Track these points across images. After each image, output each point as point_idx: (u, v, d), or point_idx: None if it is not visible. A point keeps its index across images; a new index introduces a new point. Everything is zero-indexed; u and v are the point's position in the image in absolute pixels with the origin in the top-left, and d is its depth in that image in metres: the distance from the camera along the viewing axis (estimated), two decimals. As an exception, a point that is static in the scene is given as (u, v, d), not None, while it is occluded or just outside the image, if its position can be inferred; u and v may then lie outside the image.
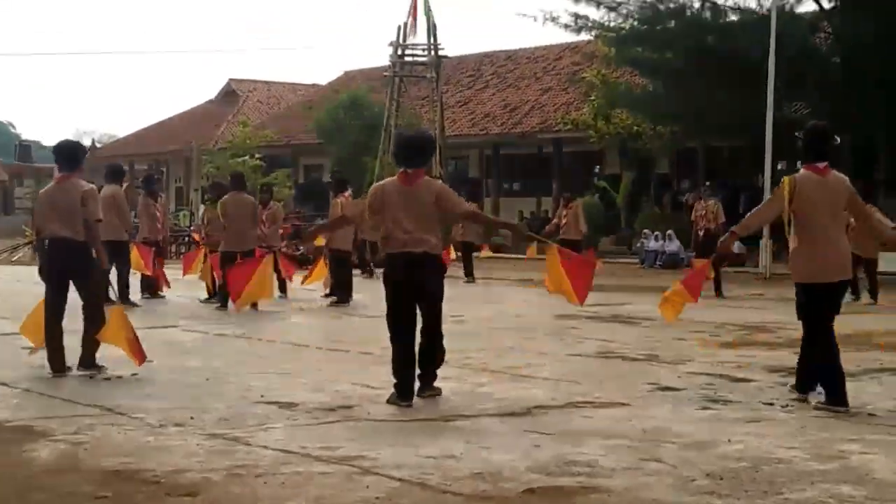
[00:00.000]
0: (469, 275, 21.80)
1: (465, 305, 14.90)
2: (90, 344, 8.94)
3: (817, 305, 7.80)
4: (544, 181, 36.78)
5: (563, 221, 20.68)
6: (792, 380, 8.25)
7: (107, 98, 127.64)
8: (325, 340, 11.40)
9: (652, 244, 28.78)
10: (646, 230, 29.46)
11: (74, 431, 6.52)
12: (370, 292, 16.79)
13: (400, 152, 8.14)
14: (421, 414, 7.25)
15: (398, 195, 7.86)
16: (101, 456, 5.90)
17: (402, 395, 7.70)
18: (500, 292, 19.29)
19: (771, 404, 7.83)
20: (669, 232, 28.53)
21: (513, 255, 30.46)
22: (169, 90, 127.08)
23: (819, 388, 7.88)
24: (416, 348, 7.89)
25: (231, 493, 5.17)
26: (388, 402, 7.66)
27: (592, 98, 32.73)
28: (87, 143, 68.35)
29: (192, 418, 6.92)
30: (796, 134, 8.58)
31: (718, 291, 18.00)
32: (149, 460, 5.80)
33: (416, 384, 7.84)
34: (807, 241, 7.80)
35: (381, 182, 8.33)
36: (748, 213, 8.38)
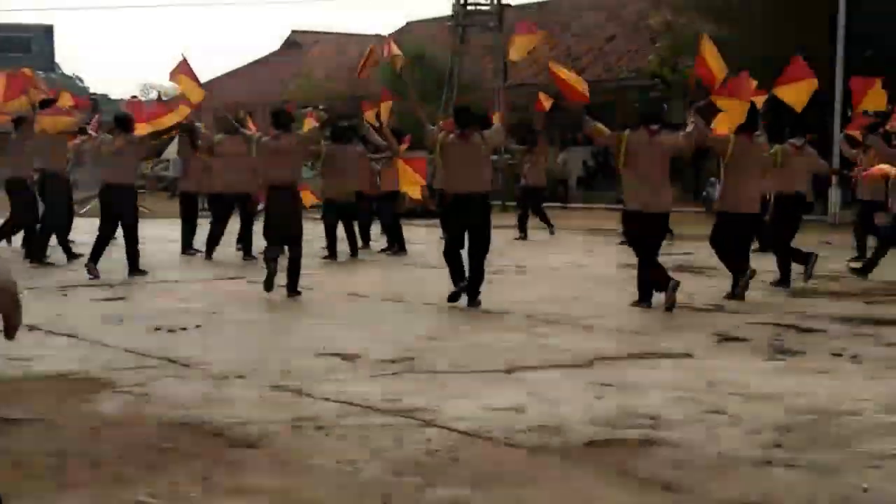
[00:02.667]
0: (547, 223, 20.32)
1: (528, 255, 14.83)
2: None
3: (641, 229, 10.22)
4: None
5: (525, 168, 20.38)
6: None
7: (172, 51, 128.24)
8: (388, 292, 11.38)
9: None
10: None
11: (139, 383, 6.55)
12: (428, 243, 16.77)
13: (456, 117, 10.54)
14: (483, 365, 7.20)
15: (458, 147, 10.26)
16: (164, 407, 5.92)
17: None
18: (563, 241, 19.16)
19: (839, 355, 7.69)
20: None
21: (579, 205, 30.27)
22: (232, 42, 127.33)
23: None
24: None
25: (292, 446, 5.16)
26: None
27: (658, 45, 32.25)
28: (153, 96, 68.68)
29: (254, 370, 6.93)
30: (636, 105, 10.93)
31: None
32: (211, 412, 5.82)
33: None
34: (636, 180, 10.14)
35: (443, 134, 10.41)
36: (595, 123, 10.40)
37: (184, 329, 8.58)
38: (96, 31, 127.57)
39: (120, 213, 12.49)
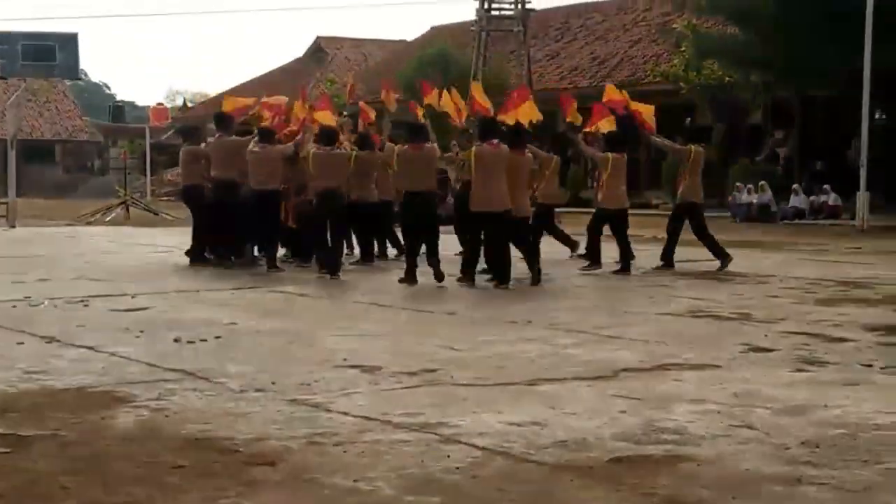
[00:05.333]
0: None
1: (551, 263, 14.67)
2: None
3: (481, 223, 12.52)
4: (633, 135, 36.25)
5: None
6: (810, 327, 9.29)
7: (197, 58, 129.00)
8: (410, 301, 11.28)
9: (744, 197, 28.17)
10: (738, 183, 28.83)
11: (156, 397, 6.46)
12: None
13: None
14: (505, 377, 7.08)
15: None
16: (181, 423, 5.83)
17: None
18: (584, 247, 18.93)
19: (869, 366, 7.53)
20: (762, 183, 27.93)
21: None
22: (258, 49, 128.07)
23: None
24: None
25: (309, 463, 5.05)
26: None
27: (682, 49, 32.08)
28: (178, 102, 68.99)
29: (273, 383, 6.83)
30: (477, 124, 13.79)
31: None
32: (229, 427, 5.72)
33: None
34: (482, 185, 12.33)
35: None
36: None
37: (203, 341, 8.49)
38: (124, 39, 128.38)
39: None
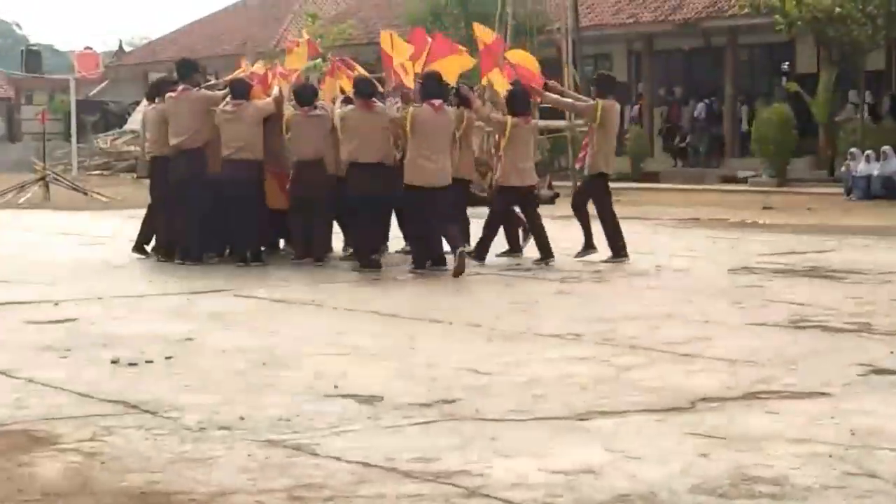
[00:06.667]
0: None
1: (605, 255, 14.70)
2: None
3: (422, 200, 13.77)
4: (714, 84, 36.29)
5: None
6: None
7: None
8: (420, 309, 11.35)
9: (861, 166, 28.07)
10: (853, 149, 28.77)
11: (89, 438, 6.52)
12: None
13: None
14: (547, 410, 7.12)
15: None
16: (121, 471, 5.88)
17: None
18: (652, 236, 19.02)
19: None
20: (885, 149, 27.82)
21: (670, 186, 30.11)
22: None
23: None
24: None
25: (291, 526, 5.11)
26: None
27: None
28: (113, 45, 69.40)
29: (241, 418, 6.89)
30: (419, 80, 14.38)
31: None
32: (184, 478, 5.77)
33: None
34: (421, 155, 13.63)
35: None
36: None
37: (149, 362, 8.56)
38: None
39: None
